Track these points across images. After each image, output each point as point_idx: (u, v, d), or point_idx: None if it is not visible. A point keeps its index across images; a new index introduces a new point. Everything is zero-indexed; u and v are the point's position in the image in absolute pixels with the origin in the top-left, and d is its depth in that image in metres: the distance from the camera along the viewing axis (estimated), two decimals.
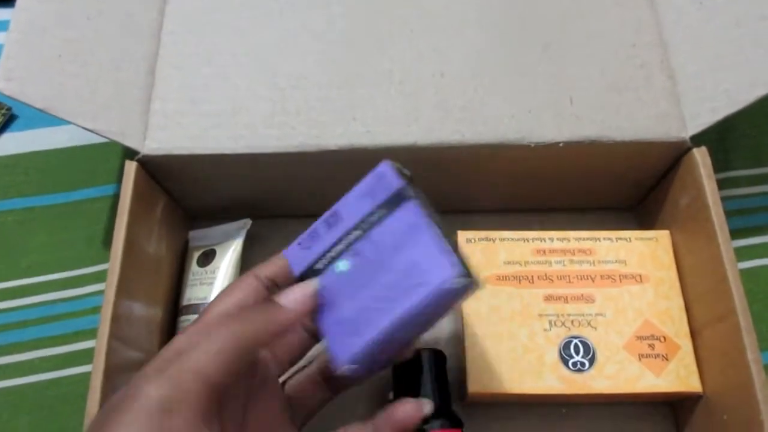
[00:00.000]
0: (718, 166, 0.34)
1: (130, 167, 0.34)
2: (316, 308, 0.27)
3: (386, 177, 0.27)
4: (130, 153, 0.35)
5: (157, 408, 0.21)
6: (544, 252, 0.37)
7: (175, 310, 0.38)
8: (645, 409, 0.37)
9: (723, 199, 0.33)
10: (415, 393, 0.32)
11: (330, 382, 0.30)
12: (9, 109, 0.46)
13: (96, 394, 0.29)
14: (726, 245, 0.32)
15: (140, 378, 0.22)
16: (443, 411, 0.32)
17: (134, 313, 0.33)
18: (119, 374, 0.31)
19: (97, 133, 0.34)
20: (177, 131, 0.35)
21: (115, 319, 0.31)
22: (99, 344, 0.30)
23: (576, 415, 0.37)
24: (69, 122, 0.33)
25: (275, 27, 0.38)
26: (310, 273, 0.28)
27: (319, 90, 0.36)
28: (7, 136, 0.46)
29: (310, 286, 0.27)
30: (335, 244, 0.27)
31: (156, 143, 0.35)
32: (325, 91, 0.36)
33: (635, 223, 0.42)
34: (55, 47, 0.34)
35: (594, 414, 0.37)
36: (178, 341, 0.24)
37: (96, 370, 0.30)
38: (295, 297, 0.26)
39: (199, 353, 0.22)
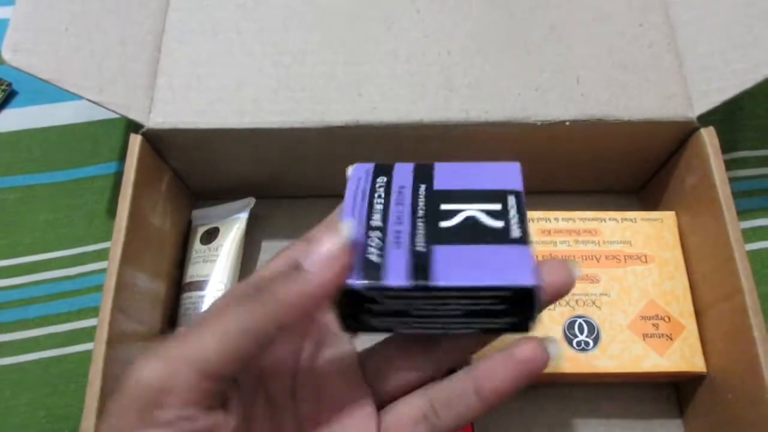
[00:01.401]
0: (725, 146, 0.34)
1: (135, 140, 0.34)
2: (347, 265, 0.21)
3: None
4: (134, 127, 0.34)
5: (148, 391, 0.20)
6: (549, 232, 0.37)
7: (178, 287, 0.38)
8: (648, 389, 0.37)
9: (730, 180, 0.33)
10: None
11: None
12: (9, 84, 0.46)
13: (98, 365, 0.29)
14: (733, 224, 0.32)
15: (139, 359, 0.21)
16: None
17: (138, 285, 0.33)
18: (122, 346, 0.31)
19: (102, 106, 0.33)
20: (182, 105, 0.35)
21: (119, 290, 0.31)
22: (102, 315, 0.30)
23: (579, 395, 0.37)
24: (72, 97, 0.33)
25: (281, 3, 0.37)
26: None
27: (325, 66, 0.36)
28: (8, 112, 0.45)
29: (339, 235, 0.21)
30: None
31: (161, 117, 0.35)
32: (331, 68, 0.36)
33: (639, 206, 0.42)
34: (62, 20, 0.34)
35: (597, 394, 0.37)
36: (190, 322, 0.23)
37: (98, 341, 0.30)
38: (320, 255, 0.20)
39: (197, 337, 0.20)
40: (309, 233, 0.25)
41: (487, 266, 0.22)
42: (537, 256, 0.36)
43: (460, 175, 0.24)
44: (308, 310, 0.21)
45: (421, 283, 0.22)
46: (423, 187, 0.24)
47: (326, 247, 0.21)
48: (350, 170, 0.25)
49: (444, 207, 0.23)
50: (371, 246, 0.22)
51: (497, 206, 0.23)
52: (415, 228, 0.23)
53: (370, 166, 0.25)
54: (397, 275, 0.22)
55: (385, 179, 0.24)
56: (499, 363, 0.22)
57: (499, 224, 0.23)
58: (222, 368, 0.20)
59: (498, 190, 0.24)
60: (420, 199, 0.24)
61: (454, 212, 0.23)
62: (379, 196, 0.24)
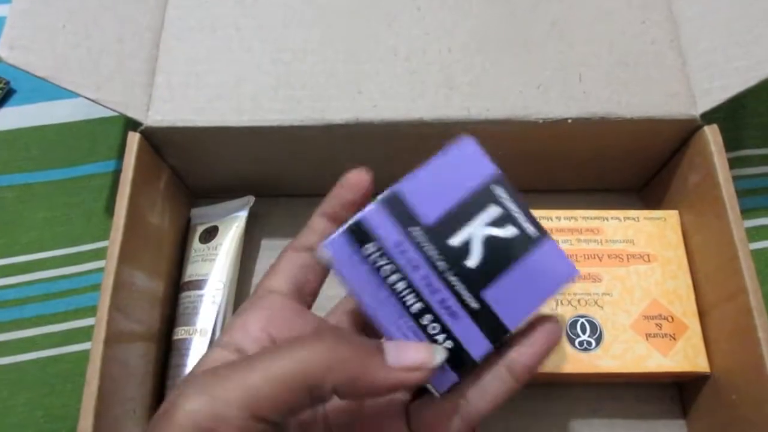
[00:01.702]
0: (728, 145, 0.34)
1: (133, 138, 0.34)
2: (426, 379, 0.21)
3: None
4: (132, 125, 0.34)
5: (196, 425, 0.19)
6: (551, 231, 0.36)
7: (177, 286, 0.38)
8: (651, 389, 0.37)
9: (733, 178, 0.33)
10: None
11: None
12: (7, 83, 0.45)
13: (96, 365, 0.29)
14: (737, 223, 0.32)
15: (179, 395, 0.20)
16: None
17: (136, 284, 0.33)
18: (119, 346, 0.31)
19: (100, 104, 0.33)
20: (181, 103, 0.35)
21: (116, 289, 0.30)
22: (99, 314, 0.30)
23: (582, 395, 0.37)
24: (70, 95, 0.33)
25: (281, 0, 0.37)
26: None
27: (325, 64, 0.36)
28: (6, 110, 0.45)
29: (433, 354, 0.21)
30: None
31: (159, 115, 0.34)
32: (331, 65, 0.36)
33: (641, 204, 0.42)
34: (59, 17, 0.34)
35: (600, 394, 0.37)
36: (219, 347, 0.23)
37: (96, 341, 0.30)
38: (408, 361, 0.21)
39: (250, 374, 0.20)
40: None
41: (536, 282, 0.22)
42: None
43: (431, 190, 0.23)
44: (367, 394, 0.21)
45: (504, 338, 0.22)
46: (418, 232, 0.22)
47: (416, 355, 0.21)
48: (324, 254, 0.22)
49: (453, 242, 0.22)
50: (434, 332, 0.22)
51: (497, 211, 0.23)
52: (452, 286, 0.22)
53: (340, 240, 0.22)
54: (479, 347, 0.22)
55: (373, 247, 0.22)
56: (525, 341, 0.23)
57: (512, 231, 0.23)
58: (272, 414, 0.20)
59: (481, 189, 0.23)
60: (428, 249, 0.22)
61: (466, 243, 0.22)
62: (392, 272, 0.22)
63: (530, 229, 0.23)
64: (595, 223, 0.36)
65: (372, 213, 0.22)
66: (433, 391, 0.22)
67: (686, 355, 0.33)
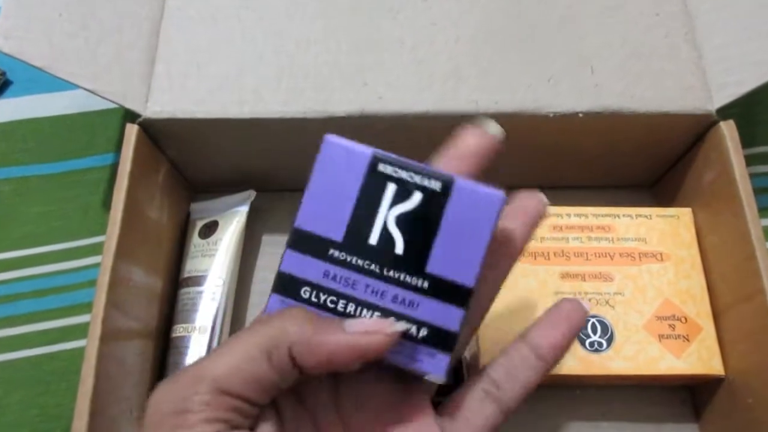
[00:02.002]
0: (743, 141, 0.33)
1: (131, 130, 0.33)
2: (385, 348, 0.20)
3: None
4: (131, 117, 0.33)
5: (165, 415, 0.19)
6: (561, 228, 0.35)
7: (176, 282, 0.37)
8: (662, 392, 0.36)
9: (749, 175, 0.32)
10: None
11: None
12: (3, 74, 0.44)
13: (91, 363, 0.28)
14: (754, 222, 0.31)
15: (158, 384, 0.20)
16: None
17: (133, 280, 0.32)
18: (116, 343, 0.30)
19: (97, 95, 0.32)
20: (180, 95, 0.34)
21: (113, 285, 0.30)
22: (95, 311, 0.29)
23: (589, 397, 0.36)
24: (67, 87, 0.32)
25: None
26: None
27: (328, 55, 0.35)
28: (2, 102, 0.44)
29: (391, 323, 0.21)
30: None
31: (158, 106, 0.33)
32: (335, 56, 0.35)
33: (653, 201, 0.41)
34: (55, 6, 0.33)
35: (609, 396, 0.36)
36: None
37: (91, 338, 0.29)
38: (363, 327, 0.20)
39: (211, 356, 0.20)
40: None
41: (471, 228, 0.22)
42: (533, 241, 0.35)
43: (325, 208, 0.22)
44: (328, 362, 0.20)
45: (471, 297, 0.21)
46: (336, 253, 0.21)
47: (373, 322, 0.21)
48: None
49: (372, 242, 0.21)
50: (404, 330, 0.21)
51: (392, 188, 0.21)
52: (395, 279, 0.21)
53: (276, 301, 0.22)
54: (451, 318, 0.21)
55: (307, 290, 0.22)
56: (547, 323, 0.24)
57: (418, 197, 0.22)
58: (239, 386, 0.19)
59: (368, 177, 0.22)
60: (354, 261, 0.21)
61: (384, 234, 0.21)
62: (335, 301, 0.21)
63: (433, 183, 0.21)
64: (606, 221, 0.35)
65: (287, 262, 0.22)
66: (434, 380, 0.21)
67: (700, 357, 0.32)
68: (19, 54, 0.31)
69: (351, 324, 0.20)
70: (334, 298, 0.21)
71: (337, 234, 0.21)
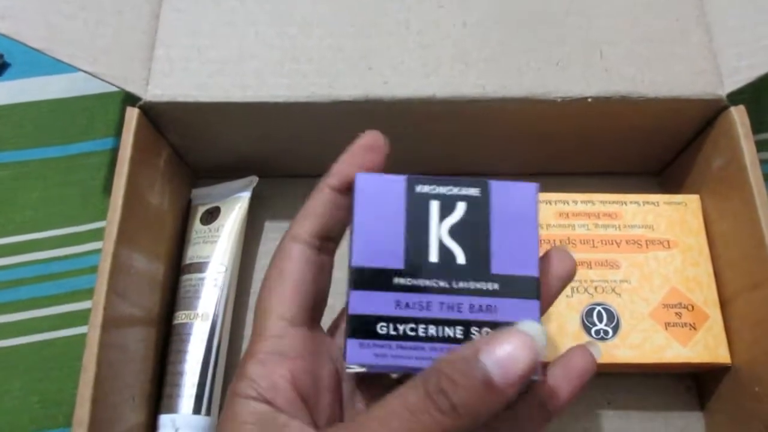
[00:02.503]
0: (754, 127, 0.32)
1: (132, 114, 0.32)
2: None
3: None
4: (131, 100, 0.33)
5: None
6: (567, 215, 0.35)
7: (177, 268, 0.37)
8: (668, 380, 0.36)
9: (758, 162, 0.31)
10: None
11: None
12: (1, 56, 0.43)
13: (93, 350, 0.28)
14: (764, 209, 0.30)
15: None
16: None
17: (134, 267, 0.31)
18: (117, 330, 0.30)
19: (96, 77, 0.32)
20: (182, 78, 0.33)
21: (114, 272, 0.29)
22: (96, 298, 0.28)
23: (595, 385, 0.35)
24: (66, 69, 0.31)
25: None
26: None
27: (333, 38, 0.34)
28: (0, 85, 0.43)
29: (530, 337, 0.19)
30: None
31: (159, 89, 0.33)
32: (338, 40, 0.34)
33: (660, 188, 0.40)
34: None
35: (615, 384, 0.36)
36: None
37: (92, 325, 0.28)
38: (516, 371, 0.18)
39: None
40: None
41: (517, 221, 0.22)
42: (546, 241, 0.34)
43: (378, 241, 0.22)
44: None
45: (539, 285, 0.22)
46: (401, 280, 0.21)
47: (522, 363, 0.18)
48: (355, 369, 0.21)
49: (433, 259, 0.21)
50: None
51: (436, 204, 0.22)
52: (466, 290, 0.21)
53: (354, 348, 0.21)
54: (530, 311, 0.21)
55: (384, 326, 0.21)
56: (559, 380, 0.23)
57: (462, 206, 0.22)
58: None
59: (410, 201, 0.22)
60: (421, 284, 0.21)
61: (443, 249, 0.22)
62: (415, 329, 0.21)
63: (471, 190, 0.22)
64: (613, 208, 0.35)
65: (355, 303, 0.21)
66: (534, 377, 0.20)
67: (706, 346, 0.32)
68: (16, 35, 0.30)
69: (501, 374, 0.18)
70: (413, 325, 0.21)
71: (397, 262, 0.21)
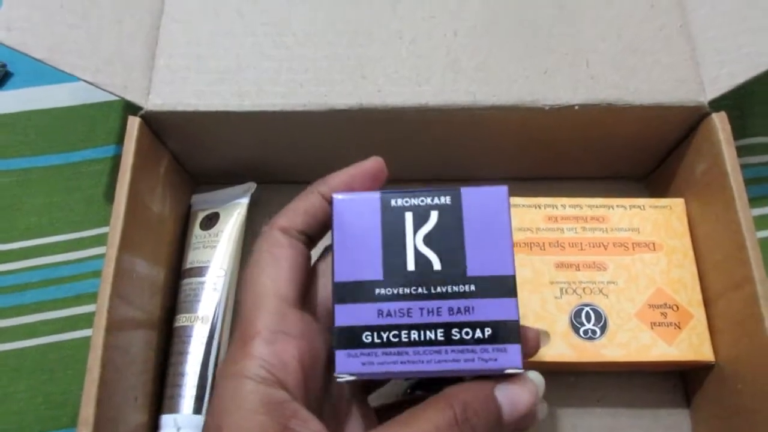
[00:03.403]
0: (735, 132, 0.33)
1: (133, 123, 0.33)
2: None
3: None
4: (132, 109, 0.34)
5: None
6: (556, 219, 0.36)
7: (177, 273, 0.38)
8: (655, 379, 0.37)
9: (740, 166, 0.32)
10: None
11: None
12: (4, 65, 0.44)
13: (97, 353, 0.29)
14: (745, 212, 0.32)
15: None
16: None
17: (136, 271, 0.32)
18: (120, 333, 0.31)
19: (98, 87, 0.33)
20: (181, 87, 0.34)
21: (118, 277, 0.30)
22: (101, 302, 0.29)
23: (584, 384, 0.37)
24: (69, 79, 0.32)
25: None
26: None
27: (328, 48, 0.35)
28: (4, 94, 0.44)
29: (531, 397, 0.23)
30: None
31: (160, 99, 0.34)
32: (334, 49, 0.35)
33: (646, 192, 0.41)
34: None
35: (604, 383, 0.37)
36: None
37: (97, 328, 0.29)
38: (521, 408, 0.23)
39: None
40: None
41: (490, 224, 0.23)
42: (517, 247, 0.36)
43: (358, 255, 0.23)
44: None
45: (514, 282, 0.23)
46: (382, 290, 0.23)
47: (525, 403, 0.23)
48: (345, 378, 0.22)
49: (410, 267, 0.23)
50: (468, 336, 0.22)
51: (410, 215, 0.23)
52: (444, 294, 0.23)
53: (343, 357, 0.22)
54: (507, 309, 0.22)
55: (368, 334, 0.22)
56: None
57: (434, 215, 0.23)
58: None
59: (385, 216, 0.23)
60: (401, 291, 0.23)
61: (419, 257, 0.23)
62: (397, 335, 0.22)
63: (443, 199, 0.23)
64: (601, 211, 0.36)
65: (340, 316, 0.22)
66: (514, 371, 0.22)
67: (691, 344, 0.33)
68: (21, 46, 0.32)
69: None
70: (396, 332, 0.22)
71: (377, 273, 0.22)
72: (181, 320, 0.35)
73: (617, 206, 0.36)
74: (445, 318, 0.22)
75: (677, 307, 0.34)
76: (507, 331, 0.22)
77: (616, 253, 0.35)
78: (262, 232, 0.25)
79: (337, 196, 0.23)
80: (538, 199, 0.36)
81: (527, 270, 0.35)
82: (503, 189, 0.23)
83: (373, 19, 0.36)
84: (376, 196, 0.23)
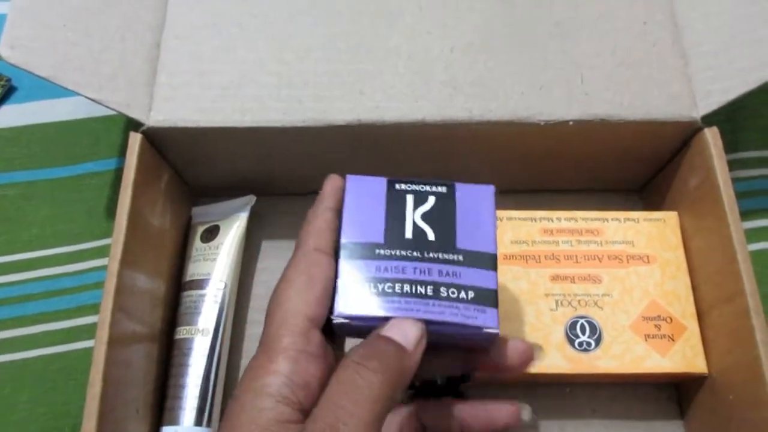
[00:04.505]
0: (727, 146, 0.34)
1: (135, 139, 0.34)
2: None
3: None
4: (134, 125, 0.34)
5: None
6: (552, 232, 0.36)
7: (178, 285, 0.38)
8: (649, 390, 0.37)
9: (732, 180, 0.33)
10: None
11: None
12: (8, 80, 0.45)
13: (99, 366, 0.29)
14: (736, 225, 0.32)
15: None
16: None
17: (138, 285, 0.33)
18: (122, 346, 0.31)
19: (101, 104, 0.33)
20: (183, 103, 0.35)
21: (119, 290, 0.31)
22: (102, 316, 0.30)
23: (580, 395, 0.37)
24: (72, 93, 0.33)
25: (284, 0, 0.37)
26: None
27: (327, 64, 0.36)
28: (8, 108, 0.45)
29: (419, 327, 0.24)
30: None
31: (161, 115, 0.34)
32: (333, 65, 0.36)
33: (642, 205, 0.42)
34: (60, 16, 0.34)
35: (598, 394, 0.37)
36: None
37: (99, 342, 0.30)
38: (413, 336, 0.24)
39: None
40: None
41: (478, 212, 0.27)
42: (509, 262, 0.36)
43: (364, 223, 0.27)
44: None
45: (496, 261, 0.27)
46: (382, 250, 0.26)
47: (415, 330, 0.24)
48: (340, 320, 0.25)
49: (408, 236, 0.27)
50: (454, 295, 0.26)
51: (411, 197, 0.27)
52: (436, 259, 0.26)
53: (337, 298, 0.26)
54: (488, 279, 0.26)
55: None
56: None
57: (432, 199, 0.27)
58: None
59: (389, 196, 0.27)
60: (399, 252, 0.26)
61: (416, 229, 0.26)
62: (391, 286, 0.25)
63: (440, 188, 0.27)
64: (595, 224, 0.37)
65: (344, 270, 0.26)
66: (491, 330, 0.25)
67: (684, 356, 0.34)
68: (24, 64, 0.32)
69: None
70: (391, 284, 0.25)
71: (379, 237, 0.26)
72: (182, 332, 0.36)
73: (612, 219, 0.37)
74: (435, 278, 0.25)
75: (671, 319, 0.34)
76: (487, 297, 0.25)
77: (611, 265, 0.36)
78: (295, 251, 0.26)
79: (351, 176, 0.27)
80: (534, 212, 0.37)
81: (523, 282, 0.35)
82: (490, 187, 0.28)
83: (371, 35, 0.36)
84: (383, 179, 0.27)
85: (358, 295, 0.25)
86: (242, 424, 0.22)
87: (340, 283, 0.25)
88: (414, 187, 0.27)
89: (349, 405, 0.21)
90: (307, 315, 0.24)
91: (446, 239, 0.26)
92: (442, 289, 0.25)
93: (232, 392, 0.24)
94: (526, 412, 0.30)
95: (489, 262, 0.26)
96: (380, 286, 0.25)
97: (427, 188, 0.27)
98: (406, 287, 0.25)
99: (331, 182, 0.28)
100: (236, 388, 0.23)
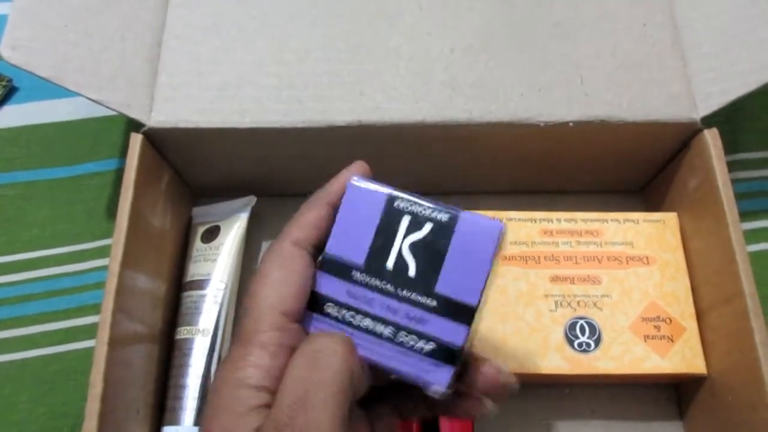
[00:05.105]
0: (727, 148, 0.34)
1: (136, 140, 0.34)
2: None
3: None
4: (134, 125, 0.34)
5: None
6: (551, 233, 0.36)
7: (179, 285, 0.38)
8: (649, 391, 0.37)
9: (731, 181, 0.33)
10: None
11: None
12: (10, 80, 0.45)
13: (100, 367, 0.29)
14: (735, 227, 0.32)
15: None
16: None
17: (138, 286, 0.33)
18: (123, 347, 0.31)
19: (102, 104, 0.33)
20: (183, 104, 0.35)
21: (120, 291, 0.31)
22: (103, 316, 0.30)
23: (579, 395, 0.37)
24: (72, 93, 0.33)
25: (283, 0, 0.37)
26: None
27: (327, 65, 0.36)
28: (8, 108, 0.45)
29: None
30: None
31: (162, 116, 0.34)
32: (333, 66, 0.36)
33: (642, 205, 0.42)
34: (61, 17, 0.34)
35: (598, 395, 0.37)
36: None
37: (100, 342, 0.30)
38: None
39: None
40: None
41: (474, 254, 0.24)
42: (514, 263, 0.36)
43: (351, 237, 0.25)
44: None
45: (476, 314, 0.24)
46: (358, 275, 0.24)
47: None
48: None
49: (389, 266, 0.24)
50: (413, 344, 0.24)
51: (407, 219, 0.24)
52: (407, 298, 0.24)
53: (308, 317, 0.25)
54: (457, 334, 0.23)
55: (332, 306, 0.24)
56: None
57: (428, 227, 0.24)
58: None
59: (386, 212, 0.25)
60: (373, 282, 0.24)
61: (399, 259, 0.24)
62: (353, 317, 0.24)
63: (442, 215, 0.24)
64: (595, 225, 0.37)
65: (319, 283, 0.25)
66: (437, 389, 0.23)
67: (683, 357, 0.34)
68: (25, 65, 0.32)
69: None
70: (353, 314, 0.24)
71: (360, 259, 0.24)
72: (182, 333, 0.36)
73: (611, 220, 0.37)
74: (398, 320, 0.24)
75: (670, 320, 0.34)
76: (447, 353, 0.23)
77: (611, 266, 0.36)
78: (274, 243, 0.26)
79: (354, 182, 0.25)
80: (534, 213, 0.37)
81: (522, 283, 0.35)
82: (499, 225, 0.24)
83: (371, 36, 0.36)
84: (385, 192, 0.25)
85: (320, 314, 0.24)
86: (222, 413, 0.22)
87: (311, 296, 0.24)
88: (414, 208, 0.24)
89: (315, 375, 0.21)
90: (282, 310, 0.24)
91: (427, 279, 0.24)
92: (402, 334, 0.24)
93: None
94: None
95: (464, 315, 0.24)
96: (343, 313, 0.24)
97: (427, 213, 0.24)
98: (366, 322, 0.24)
99: (344, 178, 0.26)
100: (213, 382, 0.23)
